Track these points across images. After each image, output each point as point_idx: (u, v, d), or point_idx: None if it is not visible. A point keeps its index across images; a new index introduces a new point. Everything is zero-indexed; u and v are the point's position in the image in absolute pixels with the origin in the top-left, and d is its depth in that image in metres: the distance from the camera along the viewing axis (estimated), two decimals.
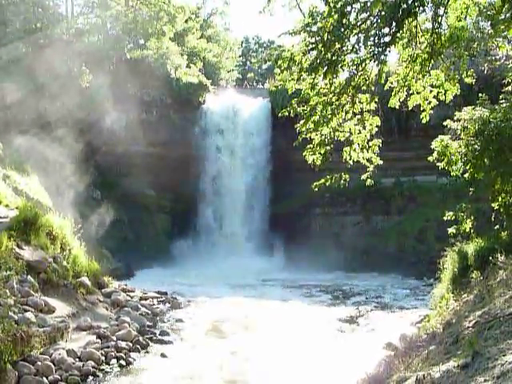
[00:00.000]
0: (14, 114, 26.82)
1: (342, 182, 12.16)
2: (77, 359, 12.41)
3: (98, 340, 13.85)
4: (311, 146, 11.66)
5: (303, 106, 11.30)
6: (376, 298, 23.69)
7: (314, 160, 11.73)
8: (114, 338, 14.18)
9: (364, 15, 9.69)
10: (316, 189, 12.43)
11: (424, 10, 9.80)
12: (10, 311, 11.71)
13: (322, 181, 12.19)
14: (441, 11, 9.99)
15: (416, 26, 10.02)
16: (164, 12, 39.11)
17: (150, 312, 17.98)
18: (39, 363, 11.41)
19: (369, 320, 18.61)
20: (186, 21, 46.71)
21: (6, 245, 14.72)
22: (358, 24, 9.74)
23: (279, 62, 10.55)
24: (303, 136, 11.49)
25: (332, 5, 9.76)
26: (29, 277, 14.50)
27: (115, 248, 28.30)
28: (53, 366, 11.63)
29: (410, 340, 10.65)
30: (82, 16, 41.63)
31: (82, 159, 29.43)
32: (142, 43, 41.21)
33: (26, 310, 12.84)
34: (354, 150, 11.78)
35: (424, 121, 11.72)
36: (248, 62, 67.39)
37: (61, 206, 23.72)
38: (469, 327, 7.85)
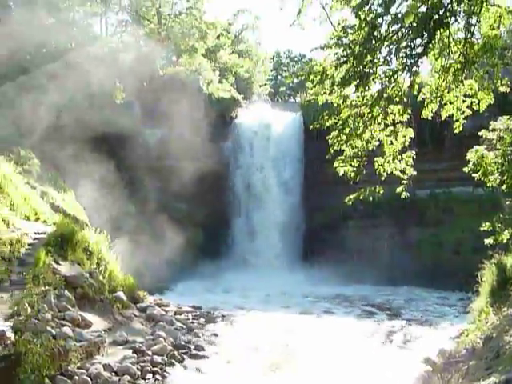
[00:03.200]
0: (50, 131, 27.30)
1: (376, 195, 12.05)
2: (113, 374, 12.49)
3: (134, 354, 13.92)
4: (342, 157, 11.61)
5: (335, 119, 11.27)
6: (412, 311, 23.36)
7: (345, 172, 11.67)
8: (150, 353, 14.23)
9: (395, 27, 9.65)
10: (350, 202, 12.35)
11: (456, 20, 9.71)
12: (48, 326, 11.86)
13: (356, 194, 12.11)
14: (473, 20, 9.88)
15: (448, 36, 9.93)
16: (196, 29, 39.60)
17: (184, 326, 18.01)
18: (76, 377, 11.52)
19: (405, 334, 18.36)
20: (218, 37, 47.18)
21: (43, 260, 14.95)
22: (390, 36, 9.70)
23: (311, 77, 10.56)
24: (335, 148, 11.46)
25: (363, 17, 9.76)
26: (66, 292, 14.67)
27: (149, 262, 28.48)
28: (90, 380, 11.72)
29: (449, 355, 10.45)
30: (115, 35, 42.43)
31: (116, 174, 29.81)
32: (175, 60, 41.76)
33: (63, 325, 12.97)
34: (388, 161, 11.68)
35: (457, 131, 11.57)
36: (280, 76, 67.60)
37: (96, 222, 24.02)
38: (510, 342, 7.68)
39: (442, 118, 11.66)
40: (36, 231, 17.87)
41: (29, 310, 11.69)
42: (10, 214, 17.68)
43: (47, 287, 13.60)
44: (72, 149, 26.80)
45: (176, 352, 14.80)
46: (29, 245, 16.48)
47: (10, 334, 11.02)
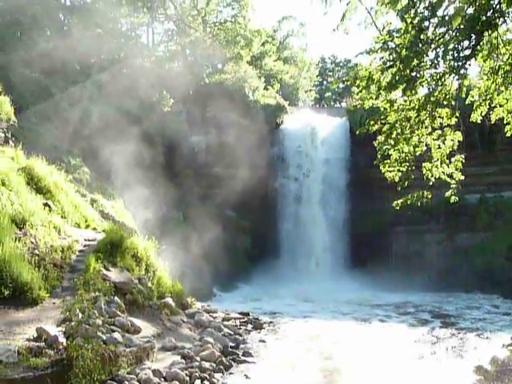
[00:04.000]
0: (99, 140, 27.87)
1: (424, 199, 11.89)
2: (162, 379, 12.58)
3: (183, 360, 14.00)
4: (389, 162, 11.50)
5: (381, 123, 11.18)
6: (463, 319, 22.88)
7: (392, 176, 11.56)
8: (198, 359, 14.30)
9: (442, 29, 9.52)
10: (397, 207, 12.23)
11: (505, 21, 9.52)
12: (99, 331, 12.04)
13: (403, 199, 11.97)
14: None
15: (497, 38, 9.74)
16: (241, 36, 39.93)
17: (232, 333, 18.04)
18: (126, 382, 11.64)
19: (456, 342, 17.99)
20: (263, 44, 47.46)
21: (93, 267, 15.21)
22: (437, 39, 9.58)
23: (357, 82, 10.51)
24: (381, 153, 11.36)
25: (409, 21, 9.66)
26: (115, 298, 14.88)
27: (197, 269, 28.72)
28: None
29: (502, 363, 10.22)
30: (162, 44, 43.16)
31: (164, 182, 30.22)
32: (220, 67, 42.15)
33: (113, 330, 13.14)
34: (436, 166, 11.51)
35: (509, 134, 11.32)
36: (325, 82, 67.42)
37: (145, 228, 24.36)
38: None
39: (492, 121, 11.45)
40: (86, 238, 18.22)
41: (80, 315, 11.91)
42: (62, 221, 18.08)
43: (97, 293, 13.82)
44: (120, 156, 27.26)
45: (224, 358, 14.83)
46: (79, 251, 16.80)
47: (62, 339, 11.25)
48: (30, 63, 29.36)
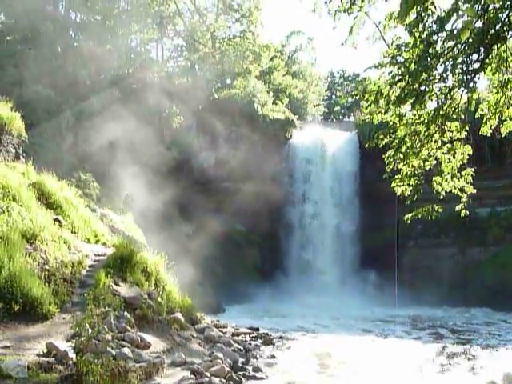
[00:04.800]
0: (110, 155, 28.01)
1: (434, 213, 11.85)
2: None
3: (192, 376, 13.90)
4: (399, 176, 11.48)
5: (390, 137, 11.18)
6: (475, 334, 22.67)
7: (402, 191, 11.54)
8: (208, 374, 14.19)
9: (451, 43, 9.53)
10: (408, 221, 12.19)
11: None
12: (108, 346, 12.00)
13: (414, 213, 11.93)
14: None
15: (505, 51, 9.74)
16: (250, 51, 40.15)
17: (242, 348, 17.92)
18: None
19: (468, 358, 17.80)
20: (272, 59, 47.66)
21: (103, 281, 15.21)
22: (445, 52, 9.59)
23: (366, 96, 10.54)
24: (391, 167, 11.34)
25: (417, 35, 9.68)
26: (125, 313, 14.84)
27: (207, 283, 28.68)
28: None
29: None
30: (171, 59, 43.46)
31: (173, 196, 30.27)
32: (229, 82, 42.34)
33: (122, 346, 13.08)
34: (446, 180, 11.48)
35: None
36: (334, 96, 67.54)
37: (154, 243, 24.37)
38: None
39: (502, 135, 11.41)
40: (96, 253, 18.23)
41: (90, 330, 11.87)
42: (72, 236, 18.12)
43: (107, 308, 13.79)
44: (130, 171, 27.37)
45: (234, 374, 14.70)
46: (89, 266, 16.81)
47: (72, 355, 11.23)
48: (41, 79, 29.64)
